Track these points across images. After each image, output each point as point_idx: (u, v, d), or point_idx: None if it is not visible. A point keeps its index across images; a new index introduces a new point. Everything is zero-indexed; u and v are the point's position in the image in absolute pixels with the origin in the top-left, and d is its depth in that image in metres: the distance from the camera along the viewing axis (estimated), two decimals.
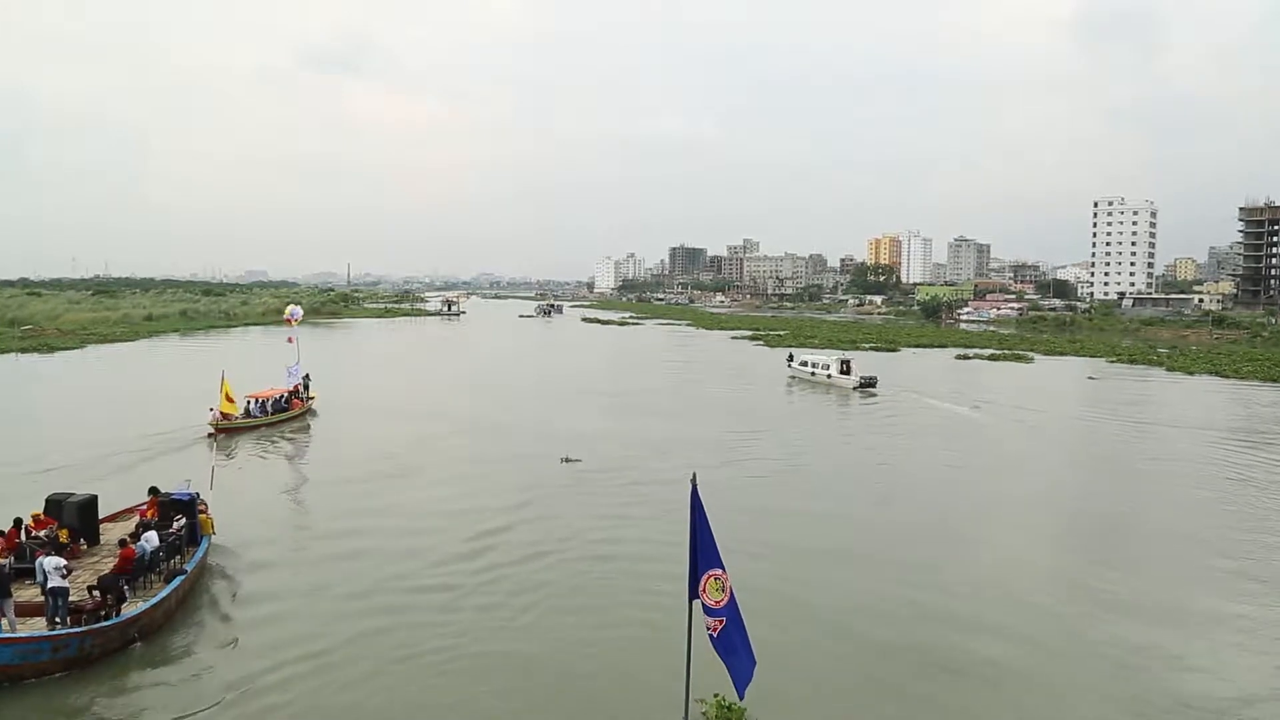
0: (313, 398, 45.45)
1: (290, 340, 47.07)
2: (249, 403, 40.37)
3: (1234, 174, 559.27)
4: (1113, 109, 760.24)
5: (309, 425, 42.10)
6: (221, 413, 38.33)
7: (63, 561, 16.94)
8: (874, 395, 53.51)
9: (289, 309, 52.97)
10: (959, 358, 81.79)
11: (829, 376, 57.70)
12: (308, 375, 45.53)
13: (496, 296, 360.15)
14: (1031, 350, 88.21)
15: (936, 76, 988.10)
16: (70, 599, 16.61)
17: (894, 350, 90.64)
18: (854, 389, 54.66)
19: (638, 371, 68.20)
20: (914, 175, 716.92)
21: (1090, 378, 65.43)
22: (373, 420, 43.10)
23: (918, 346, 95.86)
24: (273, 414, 40.82)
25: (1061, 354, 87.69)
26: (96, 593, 16.96)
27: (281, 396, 42.32)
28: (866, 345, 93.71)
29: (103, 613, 16.64)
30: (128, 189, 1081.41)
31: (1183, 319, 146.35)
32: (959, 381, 62.56)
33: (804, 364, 61.89)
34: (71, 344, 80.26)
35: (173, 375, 60.51)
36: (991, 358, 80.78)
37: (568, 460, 32.05)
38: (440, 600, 19.19)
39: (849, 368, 57.13)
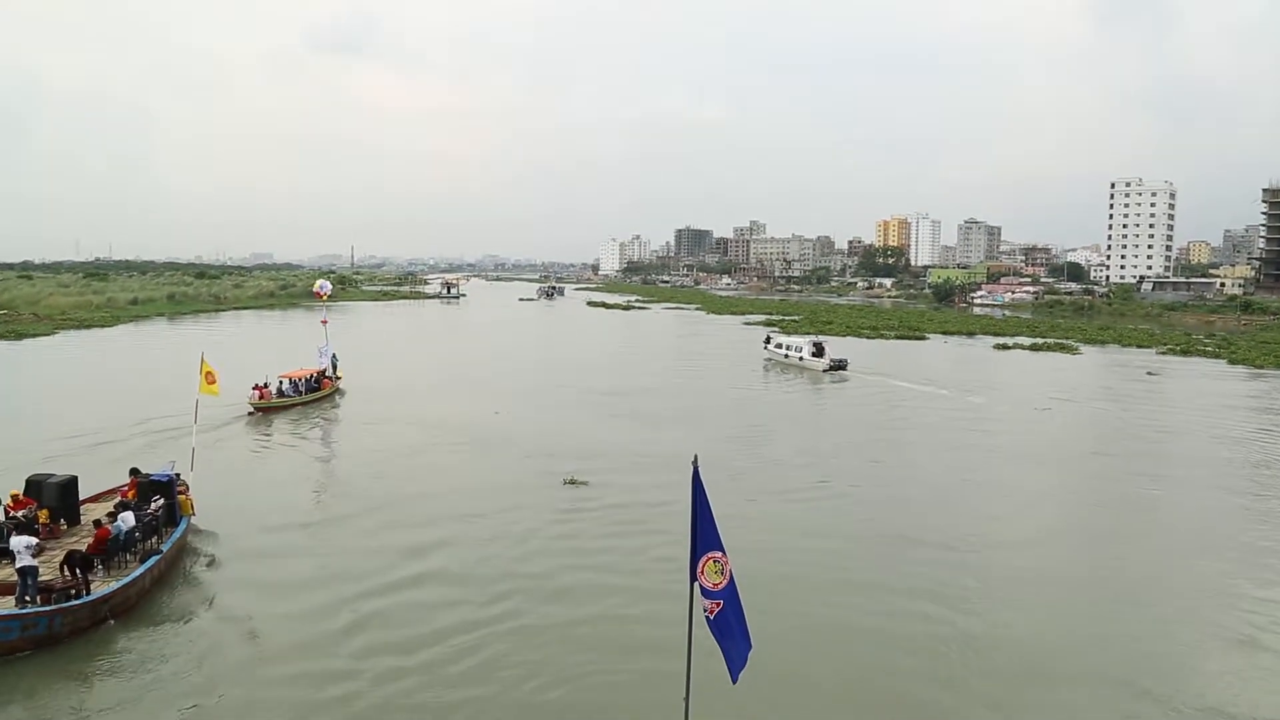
0: (339, 377, 46.65)
1: (324, 322, 48.10)
2: (281, 382, 41.59)
3: (1247, 156, 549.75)
4: (1123, 91, 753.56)
5: (336, 404, 43.24)
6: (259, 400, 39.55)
7: (33, 540, 16.97)
8: (845, 378, 54.60)
9: (318, 283, 54.87)
10: (998, 347, 76.48)
11: (801, 359, 59.08)
12: (335, 355, 46.60)
13: (499, 279, 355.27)
14: (1066, 338, 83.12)
15: (944, 57, 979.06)
16: (42, 578, 16.76)
17: (921, 338, 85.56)
18: (824, 371, 56.24)
19: (649, 366, 62.23)
20: (922, 157, 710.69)
21: (1150, 373, 59.93)
22: (362, 426, 38.75)
23: (944, 333, 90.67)
24: (305, 394, 42.12)
25: (1102, 343, 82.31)
26: (67, 571, 17.21)
27: (312, 376, 43.64)
28: (890, 333, 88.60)
29: (73, 591, 16.70)
30: (133, 172, 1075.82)
31: (1206, 303, 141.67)
32: (1014, 377, 57.72)
33: (779, 346, 63.60)
34: (44, 330, 76.05)
35: (145, 361, 57.01)
36: (1033, 348, 75.50)
37: (572, 482, 27.39)
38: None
39: (821, 350, 58.45)
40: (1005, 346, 76.90)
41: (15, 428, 34.72)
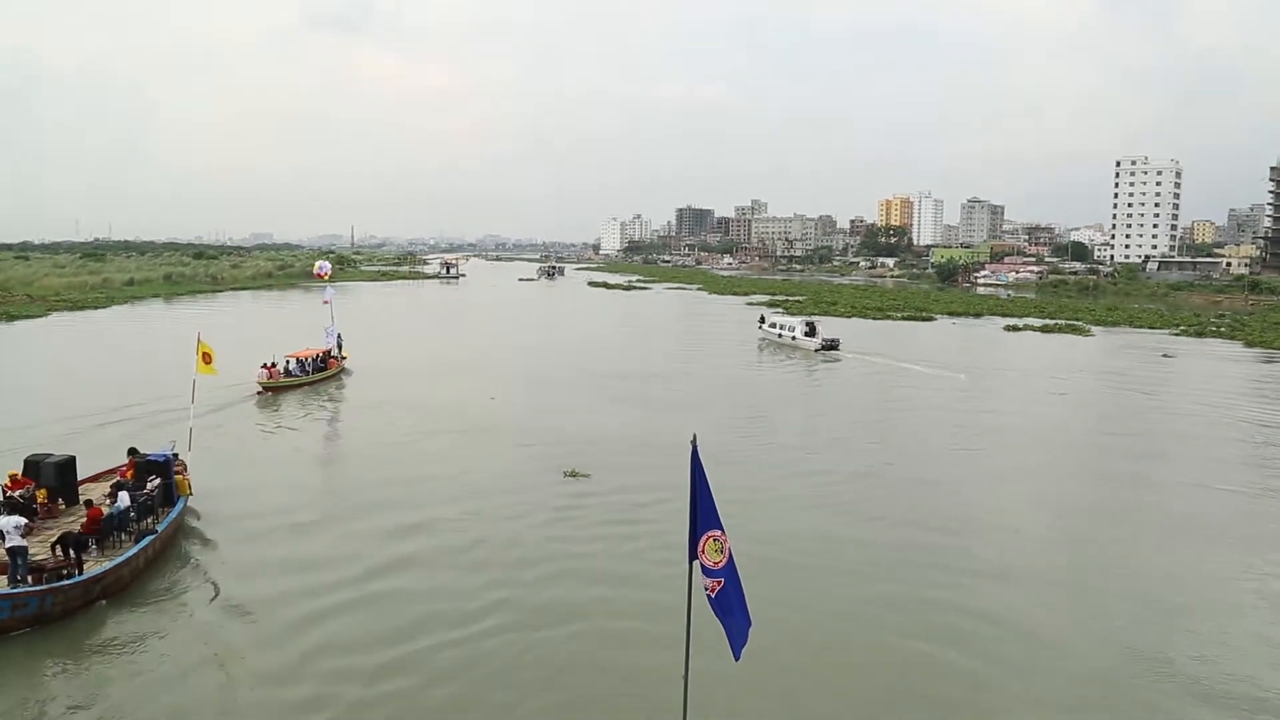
0: (345, 357, 47.07)
1: (326, 302, 48.60)
2: (288, 362, 41.88)
3: (1252, 135, 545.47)
4: (1126, 69, 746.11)
5: (342, 384, 43.26)
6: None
7: (22, 520, 17.05)
8: (837, 358, 54.79)
9: (317, 264, 55.29)
10: (1008, 329, 75.09)
11: (794, 339, 59.83)
12: (340, 335, 46.91)
13: (499, 258, 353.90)
14: (1076, 319, 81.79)
15: (947, 35, 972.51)
16: (36, 557, 16.99)
17: (928, 319, 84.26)
18: (816, 351, 56.79)
19: (650, 349, 60.36)
20: (923, 136, 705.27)
21: (1165, 355, 58.40)
22: (363, 410, 37.87)
23: (951, 314, 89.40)
24: (312, 373, 42.38)
25: (1112, 324, 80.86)
26: (60, 551, 17.31)
27: (318, 356, 43.94)
28: (897, 314, 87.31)
29: (64, 571, 16.76)
30: (134, 152, 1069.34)
31: (1212, 283, 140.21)
32: (1026, 359, 56.41)
33: (773, 326, 64.23)
34: (37, 311, 74.94)
35: (140, 342, 55.71)
36: (1044, 329, 74.02)
37: (573, 475, 25.98)
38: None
39: (814, 330, 59.16)
40: (1015, 328, 75.47)
41: (11, 410, 33.87)
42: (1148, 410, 39.90)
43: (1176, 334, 72.59)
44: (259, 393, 38.91)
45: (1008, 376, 48.17)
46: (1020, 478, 27.79)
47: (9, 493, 19.76)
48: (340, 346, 46.93)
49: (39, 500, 20.08)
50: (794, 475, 27.07)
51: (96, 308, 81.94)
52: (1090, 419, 37.97)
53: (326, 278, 53.53)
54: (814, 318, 65.96)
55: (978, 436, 33.18)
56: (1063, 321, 79.20)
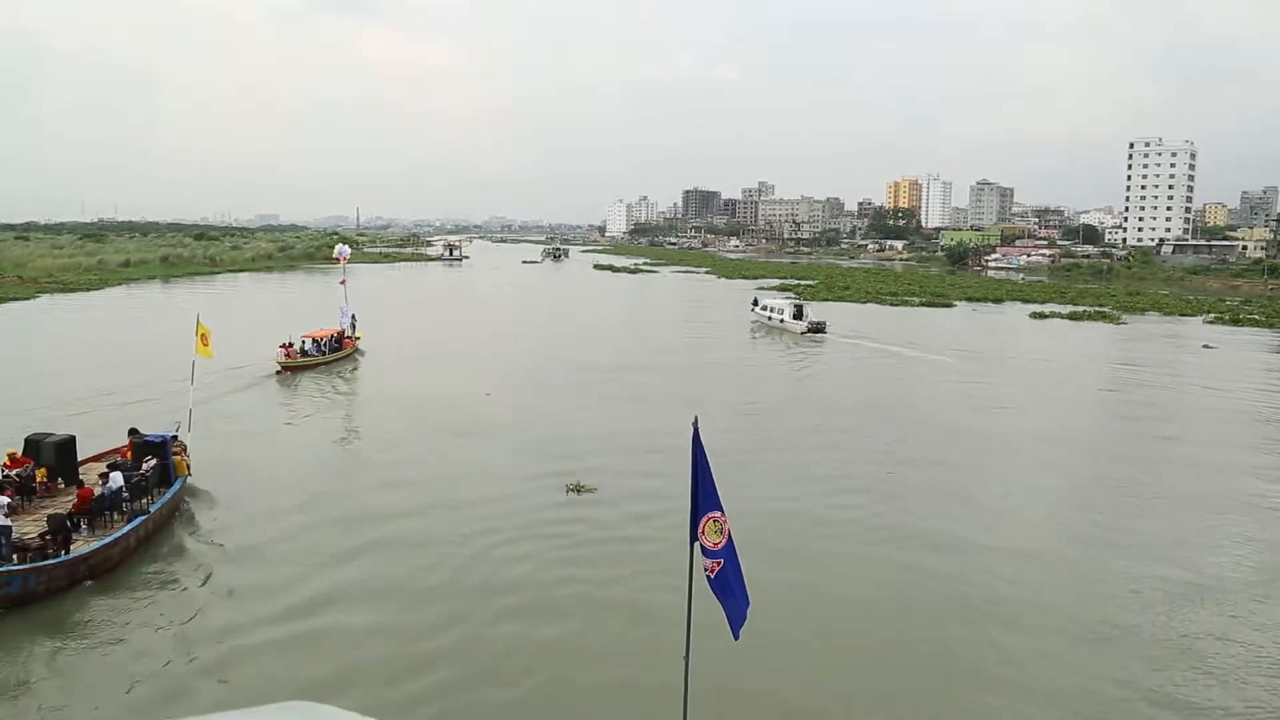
0: (359, 337, 47.15)
1: (342, 282, 48.82)
2: (305, 342, 41.97)
3: (1263, 117, 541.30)
4: (1137, 51, 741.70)
5: (356, 365, 43.68)
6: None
7: (4, 500, 17.11)
8: (822, 339, 55.55)
9: (337, 248, 55.61)
10: (1034, 316, 72.13)
11: (782, 321, 60.53)
12: (354, 316, 46.85)
13: (504, 240, 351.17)
14: (1100, 304, 79.00)
15: (955, 17, 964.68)
16: (29, 536, 17.07)
17: (948, 305, 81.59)
18: (802, 333, 57.40)
19: (658, 340, 56.99)
20: (931, 118, 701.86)
21: (1205, 345, 55.44)
22: (367, 403, 36.51)
23: (970, 299, 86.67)
24: (328, 353, 42.57)
25: (1140, 311, 78.12)
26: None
27: (334, 336, 44.04)
28: (914, 299, 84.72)
29: (49, 551, 16.74)
30: (139, 132, 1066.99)
31: (1229, 267, 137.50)
32: (1064, 351, 53.59)
33: (764, 308, 64.74)
34: (25, 293, 72.59)
35: (127, 327, 52.99)
36: (1072, 316, 70.89)
37: (578, 489, 23.20)
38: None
39: (801, 312, 59.90)
40: (1041, 315, 72.60)
41: (10, 391, 32.91)
42: (1216, 409, 36.72)
43: (1209, 321, 69.86)
44: (278, 372, 39.21)
45: (1046, 369, 45.46)
46: (1091, 498, 25.14)
47: (7, 472, 19.65)
48: (354, 327, 46.89)
49: (39, 479, 20.07)
50: (815, 477, 25.26)
51: (89, 290, 79.63)
52: (1152, 420, 34.96)
53: (345, 262, 52.75)
54: (805, 301, 66.21)
55: (1037, 442, 30.49)
56: (1091, 309, 76.14)
